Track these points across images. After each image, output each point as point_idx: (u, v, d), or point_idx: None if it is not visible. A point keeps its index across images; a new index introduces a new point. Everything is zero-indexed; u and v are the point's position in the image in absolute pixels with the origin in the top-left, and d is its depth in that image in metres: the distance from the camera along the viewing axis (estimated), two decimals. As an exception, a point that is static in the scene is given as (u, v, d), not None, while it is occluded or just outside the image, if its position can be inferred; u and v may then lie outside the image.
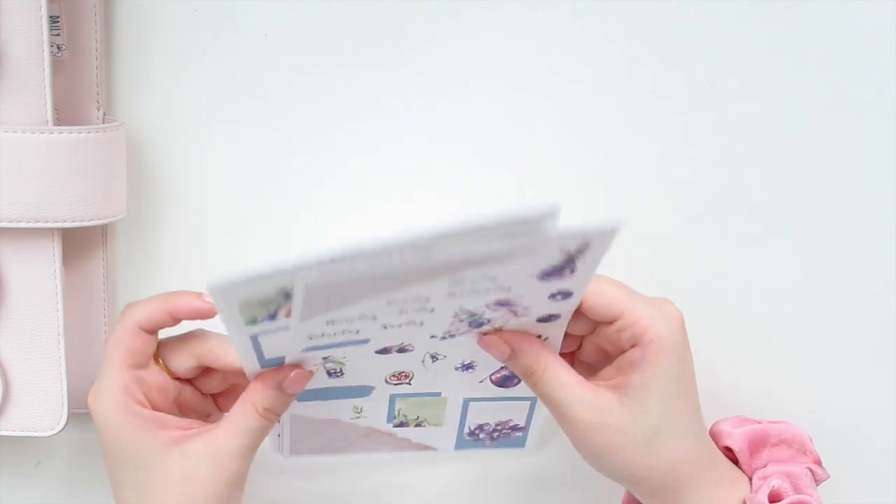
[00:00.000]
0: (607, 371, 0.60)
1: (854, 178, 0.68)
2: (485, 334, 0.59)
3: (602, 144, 0.68)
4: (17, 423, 0.67)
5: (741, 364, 0.71)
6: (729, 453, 0.64)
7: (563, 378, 0.58)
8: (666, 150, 0.68)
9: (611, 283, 0.59)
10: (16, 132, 0.62)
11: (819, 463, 0.65)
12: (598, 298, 0.58)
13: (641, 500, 0.64)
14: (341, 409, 0.65)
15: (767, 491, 0.61)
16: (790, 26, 0.66)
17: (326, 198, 0.70)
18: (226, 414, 0.61)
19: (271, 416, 0.58)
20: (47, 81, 0.62)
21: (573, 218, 0.68)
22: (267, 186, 0.70)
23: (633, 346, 0.59)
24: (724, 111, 0.68)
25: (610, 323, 0.59)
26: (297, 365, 0.58)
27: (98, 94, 0.66)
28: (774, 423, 0.65)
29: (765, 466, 0.64)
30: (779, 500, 0.61)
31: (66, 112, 0.66)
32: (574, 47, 0.67)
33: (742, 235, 0.69)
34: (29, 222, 0.64)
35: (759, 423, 0.65)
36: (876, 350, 0.71)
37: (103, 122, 0.67)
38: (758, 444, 0.64)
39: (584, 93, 0.68)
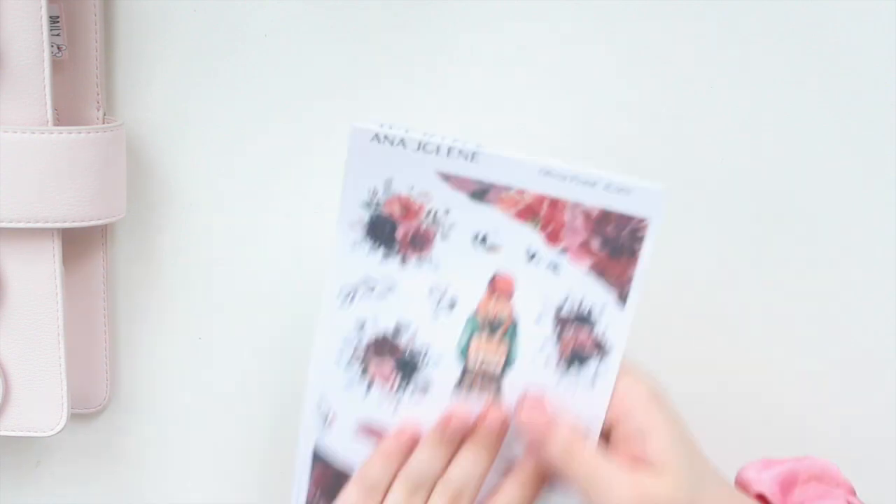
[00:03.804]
0: (614, 443, 0.58)
1: (854, 178, 0.69)
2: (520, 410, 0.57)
3: (601, 144, 0.68)
4: (17, 423, 0.67)
5: (740, 374, 0.71)
6: (762, 500, 0.62)
7: (599, 460, 0.56)
8: (666, 149, 0.68)
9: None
10: (16, 132, 0.62)
11: (853, 492, 0.63)
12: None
13: None
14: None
15: None
16: (790, 26, 0.66)
17: (326, 198, 0.70)
18: None
19: None
20: (47, 81, 0.62)
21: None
22: (267, 186, 0.70)
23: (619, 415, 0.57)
24: (724, 111, 0.68)
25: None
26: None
27: (98, 94, 0.66)
28: (799, 459, 0.63)
29: None
30: None
31: (66, 112, 0.66)
32: (574, 48, 0.67)
33: (742, 235, 0.69)
34: (29, 222, 0.64)
35: (782, 462, 0.63)
36: (875, 352, 0.71)
37: (103, 122, 0.67)
38: (788, 484, 0.62)
39: (584, 93, 0.68)
